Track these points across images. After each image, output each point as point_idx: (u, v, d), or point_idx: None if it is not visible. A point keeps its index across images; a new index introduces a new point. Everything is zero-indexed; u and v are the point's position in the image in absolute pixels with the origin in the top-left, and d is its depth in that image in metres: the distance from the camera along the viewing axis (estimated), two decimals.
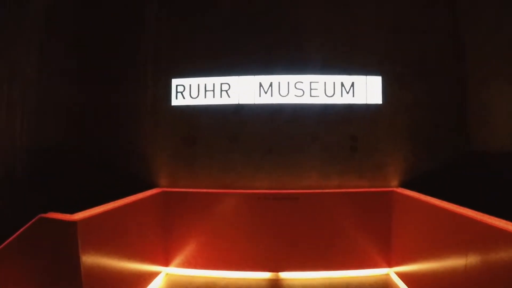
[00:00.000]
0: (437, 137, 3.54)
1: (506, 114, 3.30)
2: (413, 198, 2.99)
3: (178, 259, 3.44)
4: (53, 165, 3.43)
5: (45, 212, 2.15)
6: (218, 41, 3.65)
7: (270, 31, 3.61)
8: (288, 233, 3.38)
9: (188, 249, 3.43)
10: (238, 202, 3.43)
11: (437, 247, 2.45)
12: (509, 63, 3.26)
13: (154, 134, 3.67)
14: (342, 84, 3.56)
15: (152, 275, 3.19)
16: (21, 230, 2.16)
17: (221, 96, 3.62)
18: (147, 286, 3.04)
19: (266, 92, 3.58)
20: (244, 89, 3.60)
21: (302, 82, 3.57)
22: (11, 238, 2.19)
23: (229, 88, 3.62)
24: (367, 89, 3.55)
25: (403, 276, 3.11)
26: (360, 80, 3.55)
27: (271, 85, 3.58)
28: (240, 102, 3.60)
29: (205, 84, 3.63)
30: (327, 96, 3.56)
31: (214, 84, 3.63)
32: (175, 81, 3.67)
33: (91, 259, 2.11)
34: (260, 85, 3.59)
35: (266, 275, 3.39)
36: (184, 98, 3.66)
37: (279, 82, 3.57)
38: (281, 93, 3.57)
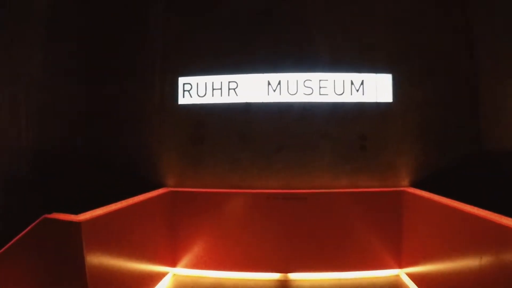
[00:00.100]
0: (448, 135, 3.49)
1: None
2: (424, 198, 2.94)
3: (186, 259, 3.40)
4: (59, 165, 3.39)
5: (50, 212, 2.13)
6: (225, 39, 3.60)
7: (278, 29, 3.56)
8: (297, 233, 3.33)
9: (196, 250, 3.39)
10: (246, 202, 3.39)
11: (449, 248, 2.40)
12: None
13: (161, 134, 3.62)
14: (352, 82, 3.51)
15: (159, 276, 3.16)
16: (25, 230, 2.14)
17: (228, 95, 3.57)
18: (154, 287, 3.01)
19: (274, 90, 3.53)
20: (252, 88, 3.55)
21: (311, 80, 3.52)
22: (15, 239, 2.17)
23: (236, 87, 3.57)
24: (377, 87, 3.50)
25: (414, 277, 3.06)
26: (370, 78, 3.50)
27: (279, 83, 3.53)
28: (248, 101, 3.56)
29: (213, 83, 3.59)
30: (336, 94, 3.51)
31: (221, 82, 3.58)
32: (182, 80, 3.62)
33: (96, 260, 2.08)
34: (268, 83, 3.54)
35: (275, 276, 3.35)
36: (191, 96, 3.61)
37: (287, 80, 3.53)
38: (289, 91, 3.52)
